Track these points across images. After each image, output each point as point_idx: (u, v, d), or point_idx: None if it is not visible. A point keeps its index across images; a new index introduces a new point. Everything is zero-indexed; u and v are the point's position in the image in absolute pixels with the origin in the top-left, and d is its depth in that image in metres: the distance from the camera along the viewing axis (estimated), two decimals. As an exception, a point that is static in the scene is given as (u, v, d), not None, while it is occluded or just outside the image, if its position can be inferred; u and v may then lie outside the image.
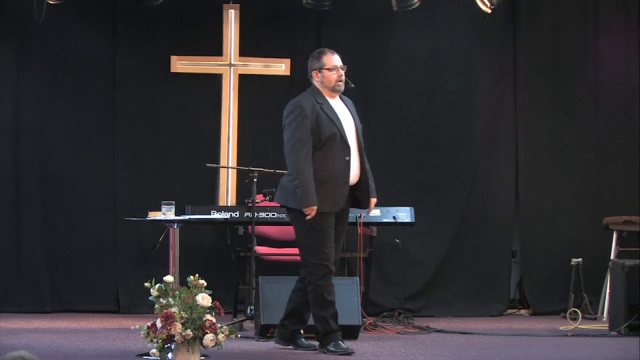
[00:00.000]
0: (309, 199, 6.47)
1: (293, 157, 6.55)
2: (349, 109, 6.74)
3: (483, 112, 9.47)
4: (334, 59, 6.70)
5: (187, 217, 7.28)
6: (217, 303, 5.95)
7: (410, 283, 9.08)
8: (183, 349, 5.82)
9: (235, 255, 8.20)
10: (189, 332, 5.79)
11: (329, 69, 6.68)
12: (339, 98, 6.74)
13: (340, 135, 6.59)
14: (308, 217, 6.49)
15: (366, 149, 9.27)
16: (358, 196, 6.68)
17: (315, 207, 6.48)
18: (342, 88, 6.72)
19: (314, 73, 6.73)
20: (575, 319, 8.34)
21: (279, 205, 7.98)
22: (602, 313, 8.82)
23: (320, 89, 6.70)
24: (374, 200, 6.79)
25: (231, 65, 9.08)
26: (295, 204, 6.59)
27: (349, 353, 6.51)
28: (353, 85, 6.81)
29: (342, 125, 6.62)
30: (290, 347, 6.75)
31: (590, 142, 9.56)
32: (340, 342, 6.57)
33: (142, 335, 5.93)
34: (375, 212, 8.22)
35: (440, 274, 9.33)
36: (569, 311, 8.62)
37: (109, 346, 6.89)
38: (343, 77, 6.70)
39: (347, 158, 6.60)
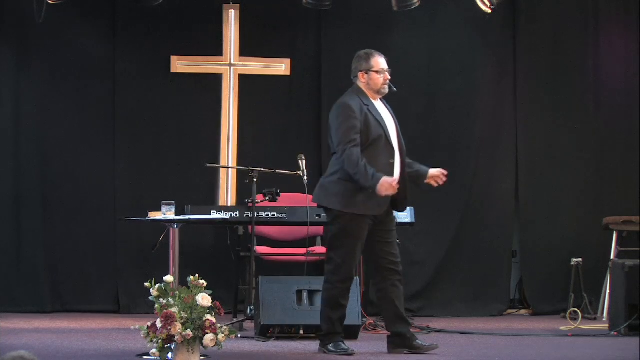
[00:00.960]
0: (375, 176, 6.34)
1: (346, 158, 6.45)
2: (390, 111, 6.70)
3: (483, 112, 9.48)
4: (382, 62, 6.65)
5: (187, 217, 7.27)
6: (217, 303, 5.95)
7: (410, 283, 9.07)
8: (183, 349, 5.82)
9: (235, 255, 8.20)
10: (189, 332, 5.79)
11: (376, 72, 6.62)
12: (379, 100, 6.69)
13: (385, 137, 6.54)
14: (392, 188, 6.37)
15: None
16: (395, 198, 6.57)
17: (386, 179, 6.36)
18: (387, 91, 6.66)
19: (360, 74, 6.67)
20: (575, 319, 8.34)
21: (279, 205, 8.03)
22: (602, 313, 8.82)
23: (365, 90, 6.64)
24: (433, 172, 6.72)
25: (231, 65, 9.08)
26: (335, 204, 6.53)
27: (349, 353, 6.50)
28: (395, 89, 6.76)
29: (387, 127, 6.58)
30: (408, 351, 6.61)
31: (590, 142, 9.56)
32: (340, 343, 6.56)
33: (142, 335, 5.92)
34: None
35: (440, 274, 9.33)
36: (569, 311, 8.62)
37: (109, 346, 6.89)
38: (388, 80, 6.64)
39: (391, 160, 6.54)
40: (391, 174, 6.49)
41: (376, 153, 6.52)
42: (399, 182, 6.51)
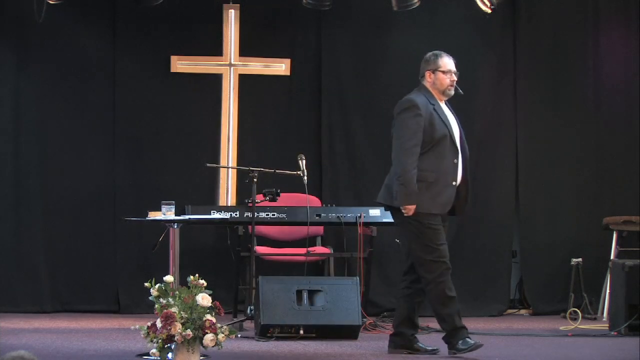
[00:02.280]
0: (411, 197, 6.42)
1: (403, 155, 6.49)
2: (453, 114, 6.70)
3: (483, 112, 9.47)
4: (449, 63, 6.66)
5: (187, 217, 7.28)
6: (217, 303, 5.95)
7: (410, 283, 9.06)
8: (183, 349, 5.82)
9: (235, 255, 8.20)
10: (189, 332, 5.79)
11: (443, 72, 6.63)
12: (445, 102, 6.70)
13: (450, 138, 6.56)
14: (406, 213, 6.44)
15: (366, 149, 9.38)
16: (456, 201, 6.60)
17: (413, 206, 6.43)
18: (452, 93, 6.66)
19: (427, 73, 6.68)
20: (575, 319, 8.34)
21: (279, 205, 8.03)
22: (602, 313, 8.82)
23: (431, 90, 6.65)
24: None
25: (231, 65, 9.08)
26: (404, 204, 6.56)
27: (478, 346, 6.46)
28: (462, 92, 6.74)
29: (452, 128, 6.59)
30: (407, 352, 6.64)
31: (590, 142, 9.56)
32: (467, 338, 6.51)
33: (142, 335, 5.93)
34: (375, 212, 8.24)
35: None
36: (569, 311, 8.62)
37: (109, 346, 6.89)
38: (454, 83, 6.64)
39: (455, 161, 6.56)
40: (455, 174, 6.55)
41: (441, 152, 6.55)
42: (460, 186, 6.56)
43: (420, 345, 6.63)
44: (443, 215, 6.58)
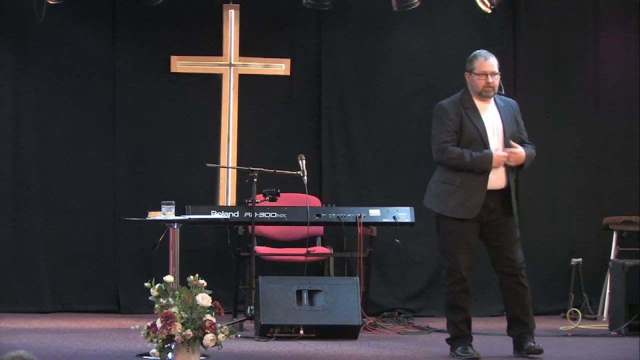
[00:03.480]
0: (486, 157, 6.45)
1: (442, 159, 6.58)
2: (501, 113, 6.62)
3: (483, 112, 9.46)
4: (484, 65, 6.60)
5: (187, 217, 7.28)
6: (217, 303, 5.96)
7: (410, 283, 9.08)
8: (183, 349, 5.82)
9: (235, 255, 8.19)
10: (189, 332, 5.79)
11: (477, 74, 6.60)
12: (493, 101, 6.64)
13: (481, 140, 6.52)
14: (503, 158, 6.45)
15: (366, 149, 9.37)
16: (500, 202, 6.56)
17: (502, 154, 6.45)
18: (490, 95, 6.60)
19: (466, 74, 6.68)
20: (575, 319, 8.34)
21: (279, 205, 8.04)
22: (602, 313, 8.82)
23: (470, 91, 6.65)
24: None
25: (231, 65, 9.08)
26: (435, 207, 6.63)
27: (474, 357, 6.51)
28: (504, 93, 6.71)
29: (485, 130, 6.53)
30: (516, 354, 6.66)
31: (590, 142, 9.56)
32: (469, 346, 6.55)
33: (142, 335, 5.93)
34: (375, 212, 8.24)
35: (440, 274, 9.29)
36: (569, 311, 8.62)
37: (109, 346, 6.89)
38: (492, 85, 6.58)
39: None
40: (485, 178, 6.48)
41: None
42: (504, 188, 6.52)
43: (530, 344, 6.60)
44: (490, 219, 6.54)
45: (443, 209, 6.57)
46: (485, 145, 6.52)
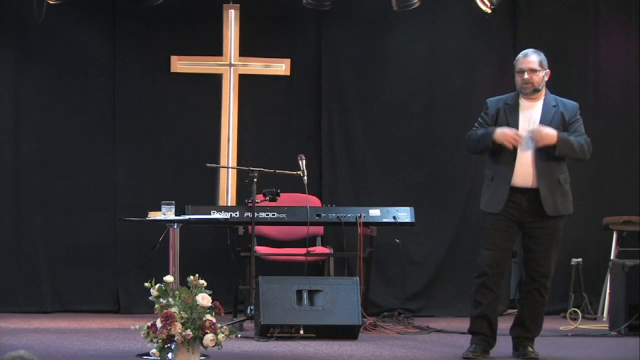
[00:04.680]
0: (490, 131, 6.54)
1: (466, 145, 6.81)
2: (544, 112, 6.59)
3: (483, 112, 9.47)
4: (521, 62, 6.63)
5: (187, 217, 7.29)
6: (217, 303, 5.96)
7: (410, 283, 9.08)
8: (183, 349, 5.83)
9: (235, 255, 8.20)
10: (189, 332, 5.79)
11: (516, 72, 6.66)
12: (543, 101, 6.63)
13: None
14: (504, 140, 6.46)
15: (366, 149, 9.36)
16: (535, 203, 6.52)
17: (501, 129, 6.49)
18: (528, 91, 6.59)
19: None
20: (575, 319, 8.34)
21: (279, 205, 8.04)
22: (602, 313, 8.83)
23: (517, 90, 6.69)
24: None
25: (231, 65, 9.08)
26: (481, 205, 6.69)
27: (464, 357, 6.57)
28: (539, 89, 6.64)
29: (517, 127, 6.53)
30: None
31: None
32: (476, 345, 6.60)
33: (142, 335, 5.93)
34: (375, 212, 8.24)
35: (440, 274, 9.32)
36: (569, 311, 8.62)
37: (109, 346, 6.90)
38: (530, 81, 6.56)
39: (512, 159, 6.51)
40: (509, 175, 6.49)
41: (500, 152, 6.54)
42: (538, 188, 6.47)
43: (528, 350, 6.63)
44: (527, 221, 6.53)
45: (481, 203, 6.68)
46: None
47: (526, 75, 6.57)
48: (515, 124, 6.55)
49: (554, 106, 6.63)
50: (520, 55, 6.70)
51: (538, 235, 6.56)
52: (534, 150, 6.51)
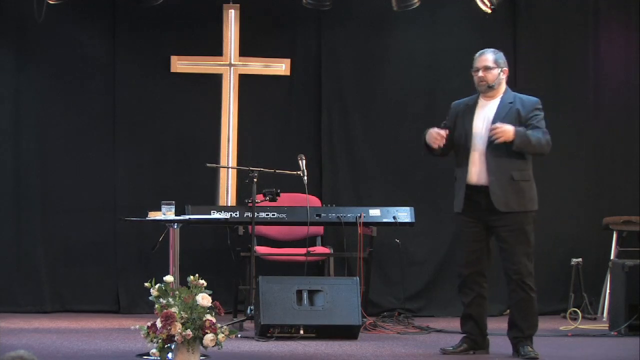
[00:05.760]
0: (425, 134, 6.68)
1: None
2: (498, 109, 6.62)
3: (483, 112, 9.47)
4: (476, 61, 6.72)
5: (187, 217, 7.28)
6: (217, 303, 5.96)
7: (410, 283, 9.08)
8: (183, 349, 5.82)
9: (235, 255, 8.20)
10: (189, 332, 5.79)
11: (473, 72, 6.74)
12: (500, 99, 6.66)
13: (465, 136, 6.61)
14: (433, 138, 6.61)
15: (366, 149, 9.36)
16: (487, 200, 6.58)
17: (429, 131, 6.63)
18: (483, 88, 6.67)
19: None
20: (575, 319, 8.34)
21: (279, 205, 8.04)
22: (602, 313, 8.83)
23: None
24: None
25: (231, 65, 9.08)
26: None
27: (441, 349, 6.66)
28: (492, 86, 6.68)
29: (471, 127, 6.60)
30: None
31: (590, 142, 9.56)
32: (458, 343, 6.67)
33: (142, 335, 5.93)
34: (375, 212, 8.24)
35: (440, 274, 9.32)
36: (569, 311, 8.62)
37: (109, 346, 6.89)
38: (484, 79, 6.64)
39: (465, 159, 6.60)
40: (465, 174, 6.57)
41: (459, 152, 6.67)
42: (490, 184, 6.51)
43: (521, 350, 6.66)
44: (488, 219, 6.57)
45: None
46: (467, 139, 6.59)
47: (480, 73, 6.65)
48: (469, 124, 6.62)
49: (510, 103, 6.66)
50: (477, 54, 6.77)
51: (501, 234, 6.59)
52: (485, 148, 6.56)
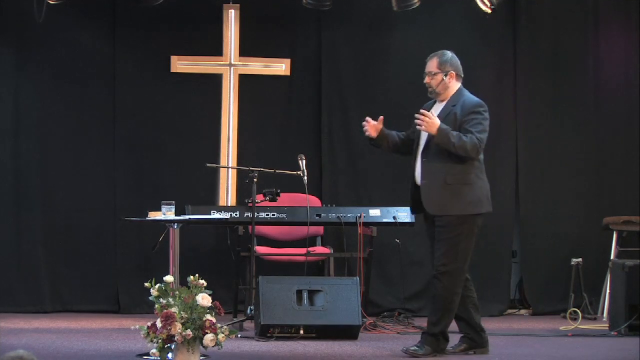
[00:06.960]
0: None
1: None
2: (442, 111, 6.66)
3: (483, 112, 9.46)
4: (426, 65, 6.78)
5: (187, 217, 7.28)
6: (217, 303, 5.96)
7: (410, 283, 9.07)
8: (183, 349, 5.83)
9: (235, 255, 8.20)
10: (189, 332, 5.79)
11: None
12: (449, 101, 6.69)
13: (418, 139, 6.71)
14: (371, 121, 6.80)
15: (366, 149, 9.35)
16: (416, 199, 6.70)
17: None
18: (430, 93, 6.74)
19: None
20: (575, 319, 8.34)
21: (279, 205, 8.04)
22: (602, 313, 8.82)
23: None
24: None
25: (231, 65, 9.08)
26: None
27: (406, 351, 6.63)
28: (437, 92, 6.73)
29: (420, 129, 6.64)
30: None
31: (590, 142, 9.56)
32: (420, 343, 6.63)
33: (142, 335, 5.93)
34: (375, 212, 8.24)
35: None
36: (569, 311, 8.62)
37: (109, 346, 6.90)
38: (431, 84, 6.69)
39: (414, 162, 6.70)
40: (413, 174, 6.67)
41: (413, 154, 6.75)
42: (422, 186, 6.58)
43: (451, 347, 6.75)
44: (431, 218, 6.64)
45: None
46: (417, 142, 6.70)
47: (425, 79, 6.73)
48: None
49: (453, 106, 6.68)
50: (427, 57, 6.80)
51: (437, 231, 6.60)
52: (421, 151, 6.64)
